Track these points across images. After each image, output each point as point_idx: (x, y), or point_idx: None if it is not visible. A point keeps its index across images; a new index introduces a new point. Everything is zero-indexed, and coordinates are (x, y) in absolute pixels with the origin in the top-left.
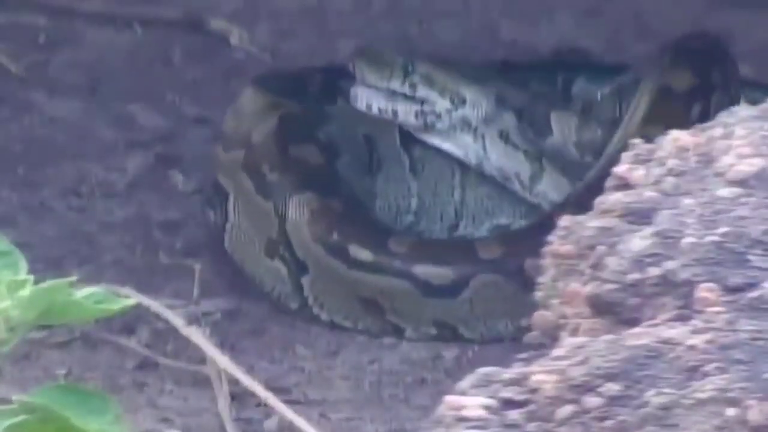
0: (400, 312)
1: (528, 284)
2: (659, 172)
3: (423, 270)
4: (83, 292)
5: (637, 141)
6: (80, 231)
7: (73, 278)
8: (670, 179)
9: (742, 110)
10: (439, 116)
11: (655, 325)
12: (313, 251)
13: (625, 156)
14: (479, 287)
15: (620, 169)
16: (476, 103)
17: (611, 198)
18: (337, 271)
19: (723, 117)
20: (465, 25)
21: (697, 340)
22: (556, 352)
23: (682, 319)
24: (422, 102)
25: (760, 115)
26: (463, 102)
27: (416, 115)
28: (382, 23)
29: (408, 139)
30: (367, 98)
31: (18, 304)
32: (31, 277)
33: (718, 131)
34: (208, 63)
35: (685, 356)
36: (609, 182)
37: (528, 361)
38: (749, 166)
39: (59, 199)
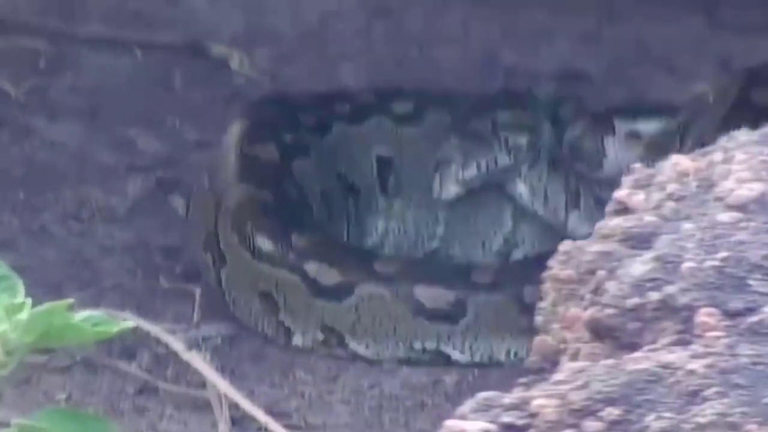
0: (291, 310)
1: (416, 308)
2: (659, 196)
3: (313, 267)
4: (81, 315)
5: (637, 165)
6: (81, 255)
7: (71, 301)
8: (670, 204)
9: (742, 135)
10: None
11: (655, 349)
12: (230, 242)
13: (626, 180)
14: (365, 296)
15: (620, 193)
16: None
17: (611, 223)
18: (244, 262)
19: (723, 142)
20: (465, 51)
21: (697, 365)
22: (557, 376)
23: (682, 343)
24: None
25: (760, 140)
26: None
27: (511, 156)
28: (382, 48)
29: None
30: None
31: (16, 327)
32: (29, 300)
33: (718, 156)
34: (209, 88)
35: (685, 381)
36: (609, 207)
37: (528, 386)
38: (749, 190)
39: (60, 224)
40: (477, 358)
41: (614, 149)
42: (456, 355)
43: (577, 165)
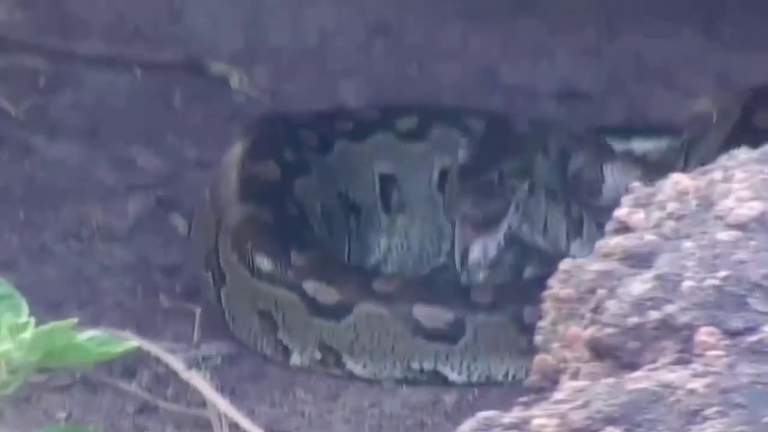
0: (289, 329)
1: (416, 328)
2: (659, 215)
3: (311, 286)
4: (85, 335)
5: (636, 184)
6: (81, 274)
7: (75, 320)
8: (670, 223)
9: (742, 154)
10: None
11: (656, 368)
12: (230, 260)
13: (626, 199)
14: (363, 315)
15: (620, 212)
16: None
17: (611, 241)
18: (244, 281)
19: (723, 160)
20: (465, 66)
21: (697, 384)
22: (557, 395)
23: (682, 362)
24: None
25: (760, 159)
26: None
27: (516, 208)
28: (382, 64)
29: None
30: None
31: (20, 346)
32: (33, 320)
33: (718, 175)
34: (209, 106)
35: (686, 400)
36: (609, 226)
37: (528, 405)
38: (749, 209)
39: (60, 242)
40: (474, 379)
41: (612, 175)
42: (453, 375)
43: (577, 193)
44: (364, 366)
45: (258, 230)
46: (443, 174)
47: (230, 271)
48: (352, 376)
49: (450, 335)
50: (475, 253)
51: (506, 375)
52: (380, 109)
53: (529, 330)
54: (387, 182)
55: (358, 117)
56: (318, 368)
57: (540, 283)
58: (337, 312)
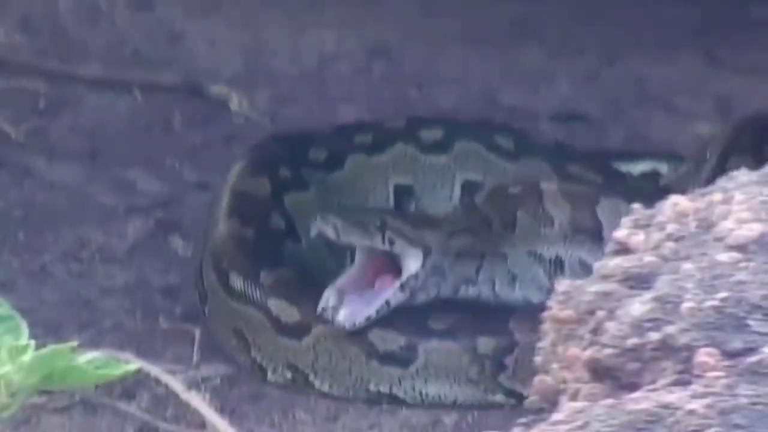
0: (259, 348)
1: (371, 351)
2: (659, 236)
3: (275, 304)
4: (84, 357)
5: (636, 206)
6: (80, 296)
7: (74, 343)
8: (670, 244)
9: (742, 175)
10: (416, 277)
11: (655, 389)
12: (209, 279)
13: (625, 221)
14: (320, 336)
15: (620, 234)
16: (443, 251)
17: (611, 263)
18: (220, 299)
19: (722, 182)
20: (464, 90)
21: (696, 405)
22: (556, 416)
23: (681, 383)
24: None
25: (760, 180)
26: (430, 251)
27: (402, 289)
28: (382, 88)
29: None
30: (352, 316)
31: (19, 369)
32: (33, 342)
33: (717, 196)
34: (208, 128)
35: (685, 421)
36: (609, 247)
37: (528, 426)
38: (748, 231)
39: (59, 264)
40: (426, 403)
41: (604, 215)
42: (407, 399)
43: (580, 251)
44: (330, 386)
45: (235, 248)
46: (465, 187)
47: (210, 290)
48: (323, 395)
49: (403, 359)
50: (340, 315)
51: (453, 402)
52: (407, 119)
53: (481, 359)
54: (402, 194)
55: (382, 127)
56: (292, 387)
57: (503, 316)
58: (297, 331)
